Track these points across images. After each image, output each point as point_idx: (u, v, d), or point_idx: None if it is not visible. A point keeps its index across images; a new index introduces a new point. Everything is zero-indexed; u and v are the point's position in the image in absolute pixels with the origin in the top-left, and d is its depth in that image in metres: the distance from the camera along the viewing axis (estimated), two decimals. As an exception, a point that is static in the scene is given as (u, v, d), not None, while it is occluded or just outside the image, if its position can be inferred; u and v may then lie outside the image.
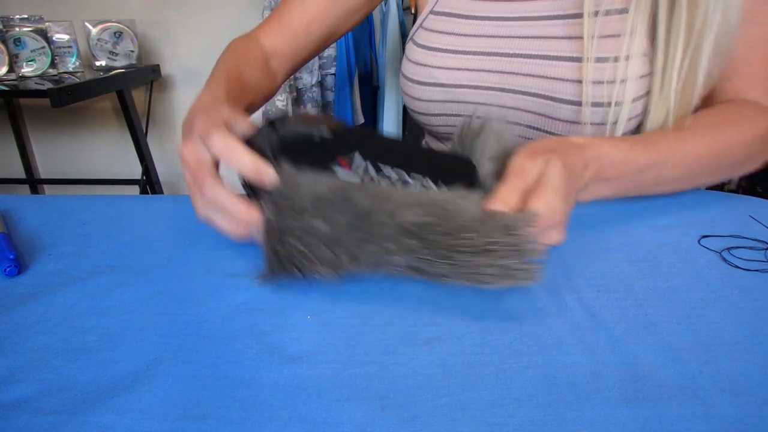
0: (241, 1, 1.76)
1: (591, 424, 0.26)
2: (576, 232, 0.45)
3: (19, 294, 0.38)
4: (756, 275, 0.39)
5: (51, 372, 0.30)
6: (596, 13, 0.52)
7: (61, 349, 0.32)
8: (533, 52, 0.56)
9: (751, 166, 0.53)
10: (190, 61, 1.85)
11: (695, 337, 0.32)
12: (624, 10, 0.52)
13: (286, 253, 0.35)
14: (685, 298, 0.36)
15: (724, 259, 0.41)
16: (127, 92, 1.66)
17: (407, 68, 0.65)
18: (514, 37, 0.58)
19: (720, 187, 0.67)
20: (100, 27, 1.61)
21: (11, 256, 0.40)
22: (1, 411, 0.27)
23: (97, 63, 1.65)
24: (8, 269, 0.40)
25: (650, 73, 0.52)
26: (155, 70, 1.76)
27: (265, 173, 0.36)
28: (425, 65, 0.62)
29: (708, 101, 0.55)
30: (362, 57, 1.73)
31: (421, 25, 0.65)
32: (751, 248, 0.42)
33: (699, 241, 0.43)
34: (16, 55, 1.51)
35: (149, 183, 1.82)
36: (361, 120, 1.76)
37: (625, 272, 0.39)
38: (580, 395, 0.27)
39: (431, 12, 0.64)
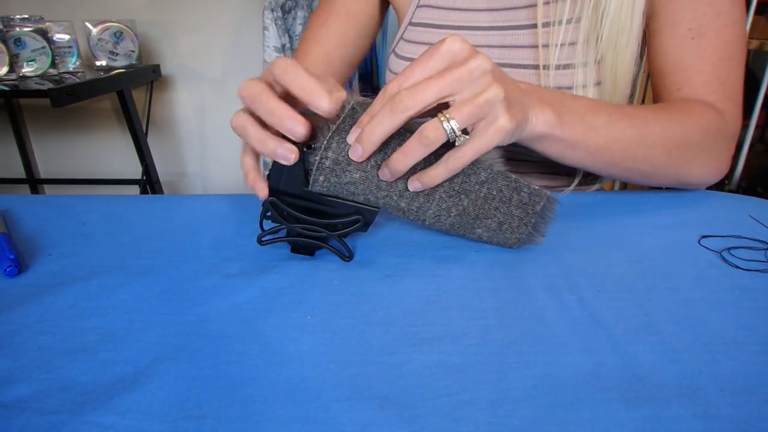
0: (242, 1, 1.76)
1: (591, 424, 0.26)
2: (576, 232, 0.45)
3: (19, 294, 0.38)
4: (756, 275, 0.38)
5: (51, 372, 0.30)
6: (547, 24, 0.56)
7: (61, 349, 0.32)
8: (502, 61, 0.59)
9: (693, 159, 0.51)
10: (190, 61, 1.85)
11: (695, 337, 0.32)
12: (575, 20, 0.55)
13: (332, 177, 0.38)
14: (685, 298, 0.36)
15: (724, 259, 0.41)
16: (127, 92, 1.65)
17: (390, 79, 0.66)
18: (485, 46, 0.61)
19: (720, 187, 0.67)
20: (100, 27, 1.61)
21: (11, 256, 0.40)
22: (1, 411, 0.27)
23: (98, 63, 1.65)
24: (8, 269, 0.40)
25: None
26: (155, 70, 1.76)
27: (328, 98, 0.35)
28: None
29: None
30: (362, 57, 1.72)
31: (401, 37, 0.67)
32: (751, 248, 0.42)
33: (699, 241, 0.43)
34: (17, 55, 1.51)
35: (149, 183, 1.82)
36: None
37: (625, 272, 0.39)
38: (580, 395, 0.27)
39: (410, 23, 0.66)
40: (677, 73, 0.54)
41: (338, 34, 0.69)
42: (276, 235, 0.43)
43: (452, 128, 0.34)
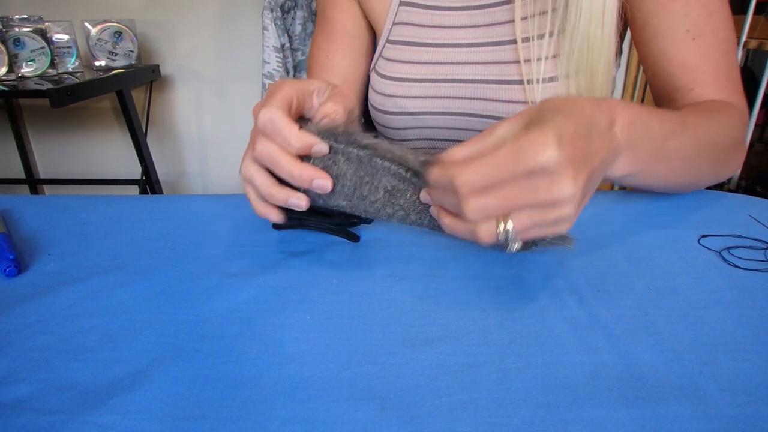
0: (241, 2, 1.76)
1: (591, 424, 0.26)
2: (576, 232, 0.45)
3: (19, 294, 0.38)
4: (756, 275, 0.39)
5: (51, 372, 0.30)
6: (527, 39, 0.56)
7: (61, 349, 0.32)
8: (488, 77, 0.59)
9: (732, 158, 0.53)
10: (190, 61, 1.85)
11: (695, 337, 0.32)
12: (557, 32, 0.55)
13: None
14: (685, 298, 0.36)
15: (724, 259, 0.41)
16: (127, 92, 1.65)
17: (375, 99, 0.66)
18: (468, 63, 0.60)
19: (720, 187, 0.68)
20: (99, 27, 1.61)
21: (11, 256, 0.40)
22: (1, 411, 0.27)
23: (97, 63, 1.64)
24: (8, 269, 0.40)
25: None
26: (155, 70, 1.76)
27: (316, 145, 0.37)
28: (391, 96, 0.63)
29: None
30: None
31: (381, 55, 0.66)
32: (750, 248, 0.42)
33: (699, 241, 0.43)
34: (16, 56, 1.51)
35: (149, 183, 1.82)
36: (361, 121, 1.77)
37: (625, 272, 0.39)
38: (580, 395, 0.27)
39: (387, 41, 0.65)
40: (686, 74, 0.55)
41: (348, 56, 0.68)
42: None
43: (507, 230, 0.32)
